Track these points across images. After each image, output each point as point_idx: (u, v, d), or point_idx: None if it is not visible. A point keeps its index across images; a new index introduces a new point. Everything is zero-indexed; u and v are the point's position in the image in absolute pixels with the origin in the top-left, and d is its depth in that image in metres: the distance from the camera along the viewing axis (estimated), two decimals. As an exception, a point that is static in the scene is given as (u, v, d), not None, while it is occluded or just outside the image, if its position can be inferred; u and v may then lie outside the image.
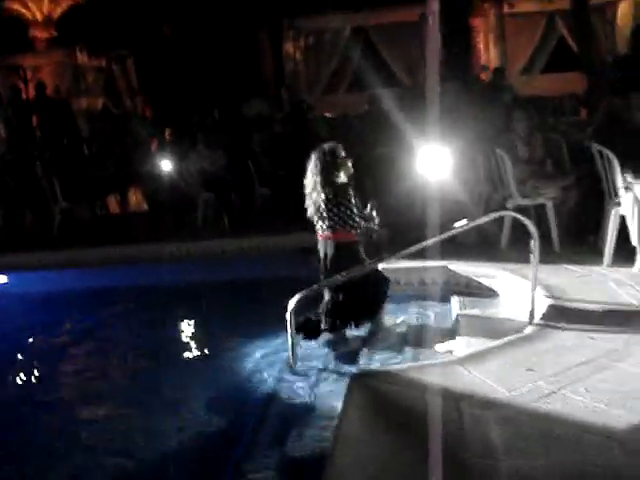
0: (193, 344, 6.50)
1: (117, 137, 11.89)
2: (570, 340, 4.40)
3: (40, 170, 10.81)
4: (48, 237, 10.47)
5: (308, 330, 5.52)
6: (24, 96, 14.84)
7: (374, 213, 5.64)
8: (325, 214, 5.49)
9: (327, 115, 14.07)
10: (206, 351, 6.06)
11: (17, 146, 11.41)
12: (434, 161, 5.73)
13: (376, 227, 5.63)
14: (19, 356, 6.34)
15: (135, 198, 12.56)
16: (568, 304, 5.08)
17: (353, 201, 5.49)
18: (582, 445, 3.05)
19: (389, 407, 3.63)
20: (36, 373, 5.95)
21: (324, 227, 5.55)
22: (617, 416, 3.25)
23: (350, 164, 5.61)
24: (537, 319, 4.87)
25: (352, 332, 5.68)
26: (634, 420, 3.20)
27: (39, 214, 11.20)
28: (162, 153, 10.68)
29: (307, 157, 5.80)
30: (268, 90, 14.72)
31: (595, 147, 6.30)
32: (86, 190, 10.97)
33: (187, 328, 6.91)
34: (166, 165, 10.34)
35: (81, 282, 8.33)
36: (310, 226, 5.72)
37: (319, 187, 5.53)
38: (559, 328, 4.61)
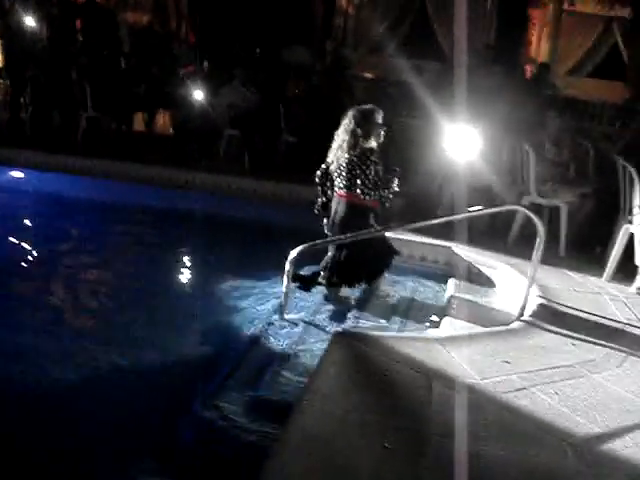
0: (190, 274, 6.60)
1: (156, 57, 11.87)
2: (552, 342, 4.49)
3: (75, 75, 10.87)
4: (72, 142, 10.59)
5: (304, 281, 5.63)
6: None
7: (394, 182, 5.67)
8: (344, 174, 5.55)
9: (367, 75, 14.01)
10: (201, 284, 6.13)
11: (56, 46, 11.40)
12: (461, 142, 5.75)
13: (390, 196, 5.67)
14: (16, 253, 6.45)
15: (162, 120, 12.61)
16: (559, 308, 5.16)
17: (372, 168, 5.52)
18: (539, 443, 3.15)
19: (363, 370, 3.74)
20: (30, 271, 6.09)
21: (340, 185, 5.61)
22: (578, 423, 3.36)
23: (382, 132, 5.64)
24: (526, 316, 4.95)
25: (347, 292, 5.80)
26: (593, 430, 3.30)
27: (67, 118, 11.28)
28: (197, 81, 10.69)
29: (339, 112, 5.83)
30: (313, 39, 14.59)
31: (620, 161, 6.31)
32: (116, 103, 11.04)
33: (187, 257, 6.99)
34: (198, 94, 10.38)
35: (94, 192, 8.47)
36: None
37: (345, 146, 5.58)
38: (545, 329, 4.69)
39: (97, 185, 8.80)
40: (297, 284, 5.53)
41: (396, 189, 5.67)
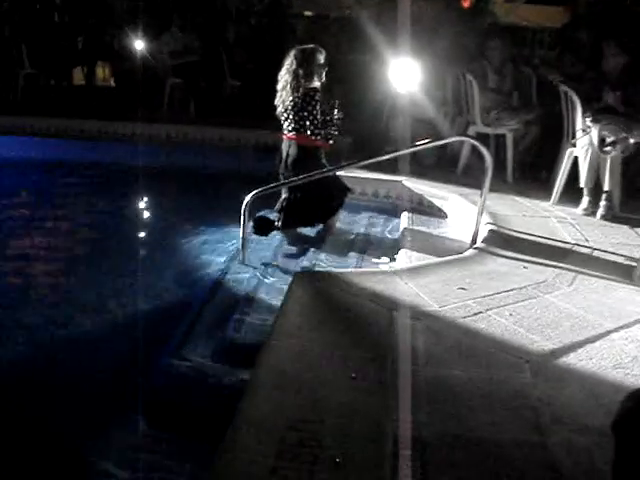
0: (144, 225, 6.58)
1: (91, 8, 11.56)
2: (505, 267, 4.64)
3: (8, 32, 10.57)
4: (11, 102, 10.34)
5: (260, 226, 5.68)
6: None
7: (336, 118, 5.70)
8: (291, 116, 5.56)
9: (307, 13, 13.85)
10: (158, 235, 6.12)
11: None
12: (405, 75, 5.80)
13: (335, 133, 5.71)
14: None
15: (103, 73, 12.37)
16: (509, 233, 5.32)
17: (318, 107, 5.54)
18: (497, 362, 3.30)
19: (326, 306, 3.84)
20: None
21: (289, 128, 5.63)
22: (533, 341, 3.51)
23: (324, 72, 5.64)
24: (479, 243, 5.09)
25: (303, 232, 5.87)
26: (548, 347, 3.47)
27: (4, 77, 10.99)
28: (135, 30, 10.48)
29: (281, 53, 5.81)
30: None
31: (562, 87, 6.43)
32: (53, 59, 10.78)
33: (139, 210, 6.95)
34: (138, 43, 10.18)
35: (37, 151, 8.31)
36: (274, 124, 5.80)
37: (289, 88, 5.57)
38: (497, 254, 4.85)
39: (40, 144, 8.63)
40: (253, 229, 5.59)
41: (338, 121, 5.69)
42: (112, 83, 11.88)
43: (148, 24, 10.72)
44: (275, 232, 5.75)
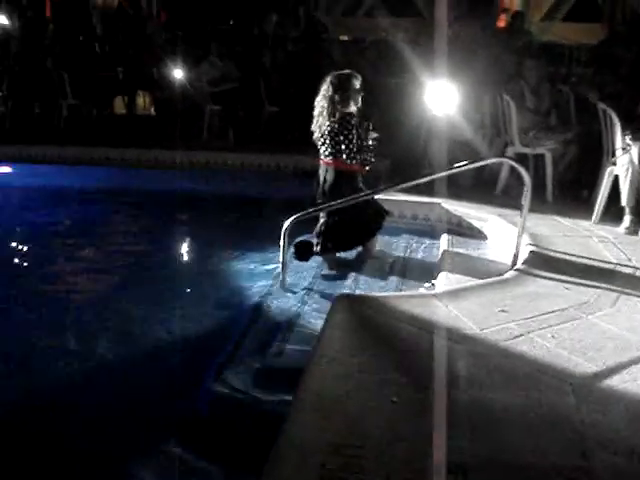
0: (187, 251, 6.69)
1: (130, 39, 11.82)
2: (546, 288, 4.60)
3: (51, 64, 10.84)
4: (55, 131, 10.58)
5: (301, 251, 5.72)
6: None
7: (372, 142, 5.72)
8: (328, 141, 5.61)
9: (343, 38, 13.98)
10: (199, 259, 6.23)
11: (29, 37, 11.36)
12: (441, 97, 5.82)
13: (372, 159, 5.74)
14: (11, 244, 6.52)
15: (143, 102, 12.60)
16: (550, 254, 5.27)
17: (354, 132, 5.58)
18: (540, 385, 3.27)
19: (366, 330, 3.85)
20: (25, 263, 6.16)
21: (326, 153, 5.68)
22: (576, 363, 3.47)
23: (360, 97, 5.69)
24: (519, 264, 5.06)
25: (342, 256, 5.90)
26: (591, 369, 3.42)
27: (47, 108, 11.26)
28: (174, 59, 10.67)
29: (318, 78, 5.87)
30: (287, 7, 14.53)
31: (600, 105, 6.39)
32: (95, 89, 11.02)
33: (182, 236, 7.07)
34: (177, 72, 10.37)
35: (82, 179, 8.50)
36: (312, 149, 5.86)
37: (325, 113, 5.63)
38: (538, 275, 4.80)
39: (86, 172, 8.82)
40: (294, 255, 5.65)
41: (374, 146, 5.72)
42: (152, 112, 12.09)
43: (187, 53, 10.92)
44: (315, 257, 5.78)
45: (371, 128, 5.73)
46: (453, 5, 12.35)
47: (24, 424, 3.49)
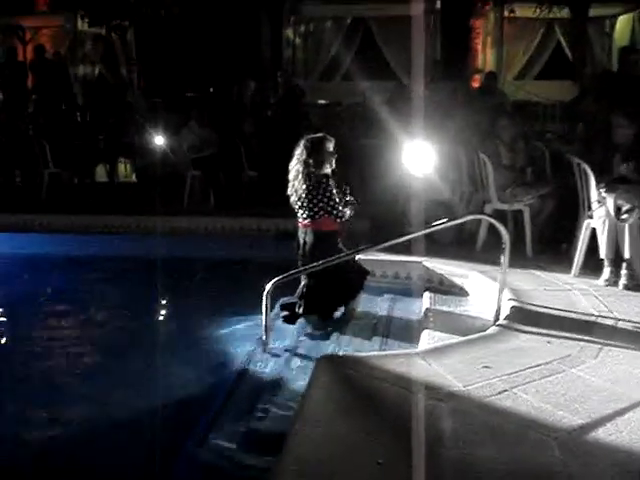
0: (170, 317, 6.63)
1: (111, 107, 11.95)
2: (529, 343, 4.62)
3: (32, 133, 10.92)
4: (35, 200, 10.58)
5: (289, 315, 5.75)
6: (22, 57, 14.90)
7: (351, 201, 5.81)
8: (305, 204, 5.67)
9: (321, 102, 14.22)
10: (181, 324, 6.17)
11: (11, 107, 11.47)
12: (419, 157, 5.90)
13: (350, 214, 5.80)
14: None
15: (124, 169, 12.66)
16: (531, 308, 5.30)
17: (334, 191, 5.66)
18: (525, 441, 3.26)
19: (350, 391, 3.82)
20: (10, 333, 6.11)
21: (304, 216, 5.73)
22: (561, 417, 3.47)
23: (334, 159, 5.77)
24: (501, 320, 5.08)
25: (324, 317, 5.89)
26: (576, 422, 3.42)
27: (28, 176, 11.30)
28: (154, 127, 10.77)
29: (296, 142, 5.94)
30: (265, 73, 14.80)
31: (574, 160, 6.50)
32: (76, 157, 11.09)
33: (164, 301, 7.03)
34: (158, 139, 10.46)
35: (63, 248, 8.45)
36: (293, 212, 5.90)
37: (301, 177, 5.69)
38: (520, 330, 4.82)
39: (67, 240, 8.79)
40: (282, 316, 5.72)
41: (352, 203, 5.80)
42: (134, 178, 12.15)
43: (167, 120, 11.04)
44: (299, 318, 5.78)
45: (348, 192, 5.81)
46: (429, 68, 12.69)
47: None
